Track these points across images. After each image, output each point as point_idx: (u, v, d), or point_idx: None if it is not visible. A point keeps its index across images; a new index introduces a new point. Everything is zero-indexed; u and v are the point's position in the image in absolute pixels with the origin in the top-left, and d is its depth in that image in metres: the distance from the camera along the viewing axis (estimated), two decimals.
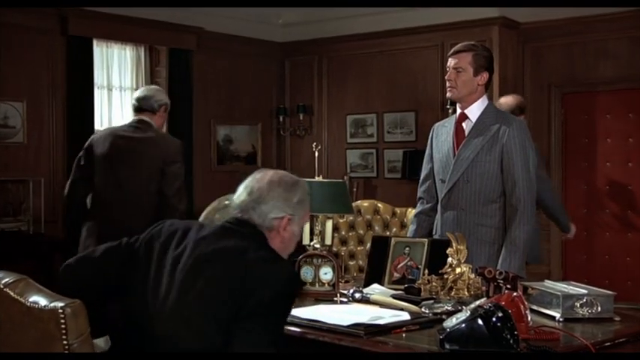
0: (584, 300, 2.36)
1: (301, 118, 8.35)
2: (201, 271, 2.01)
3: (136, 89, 7.47)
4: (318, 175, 3.33)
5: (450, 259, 2.75)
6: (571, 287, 2.51)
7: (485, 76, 3.20)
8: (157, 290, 2.06)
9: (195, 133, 7.72)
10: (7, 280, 2.00)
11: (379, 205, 5.29)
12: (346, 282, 3.20)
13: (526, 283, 2.61)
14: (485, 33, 7.06)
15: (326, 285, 2.90)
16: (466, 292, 2.67)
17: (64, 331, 1.84)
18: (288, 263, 2.10)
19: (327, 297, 2.79)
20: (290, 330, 2.24)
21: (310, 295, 2.86)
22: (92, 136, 4.44)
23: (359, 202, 5.45)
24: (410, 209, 5.22)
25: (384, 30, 7.71)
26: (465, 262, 2.75)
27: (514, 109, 4.91)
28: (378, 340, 2.14)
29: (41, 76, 6.71)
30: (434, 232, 3.31)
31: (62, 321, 1.84)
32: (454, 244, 2.76)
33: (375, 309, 2.49)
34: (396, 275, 2.99)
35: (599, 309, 2.36)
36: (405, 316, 2.36)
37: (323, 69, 8.33)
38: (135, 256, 2.16)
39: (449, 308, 2.42)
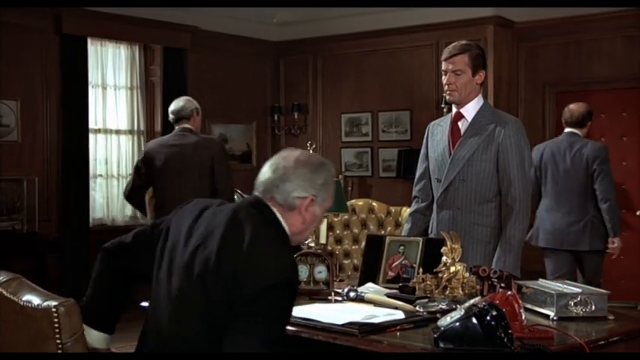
0: (578, 299, 2.37)
1: (296, 116, 8.35)
2: (195, 270, 1.99)
3: (131, 88, 7.49)
4: None
5: (444, 258, 2.75)
6: (565, 286, 2.52)
7: (482, 74, 3.22)
8: (158, 278, 2.08)
9: None
10: (0, 279, 2.00)
11: (374, 204, 5.30)
12: (341, 281, 3.20)
13: (520, 282, 2.61)
14: (480, 32, 7.07)
15: (320, 284, 2.90)
16: (460, 291, 2.67)
17: (57, 330, 1.83)
18: (287, 255, 1.99)
19: (321, 296, 2.79)
20: None
21: (305, 293, 2.86)
22: (146, 147, 5.13)
23: (354, 200, 5.45)
24: (405, 208, 5.22)
25: (379, 29, 7.71)
26: (459, 261, 2.75)
27: (585, 115, 5.23)
28: (372, 338, 2.14)
29: (35, 75, 6.69)
30: (429, 231, 3.31)
31: (55, 320, 1.84)
32: (449, 243, 2.76)
33: (369, 308, 2.49)
34: (391, 274, 2.99)
35: (593, 308, 2.37)
36: (400, 315, 2.36)
37: (318, 68, 8.33)
38: (154, 241, 2.16)
39: (443, 307, 2.42)
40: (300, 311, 2.42)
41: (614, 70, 6.88)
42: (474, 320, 1.98)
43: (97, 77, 7.21)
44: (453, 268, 2.73)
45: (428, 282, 2.75)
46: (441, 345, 2.00)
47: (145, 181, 4.89)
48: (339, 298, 2.69)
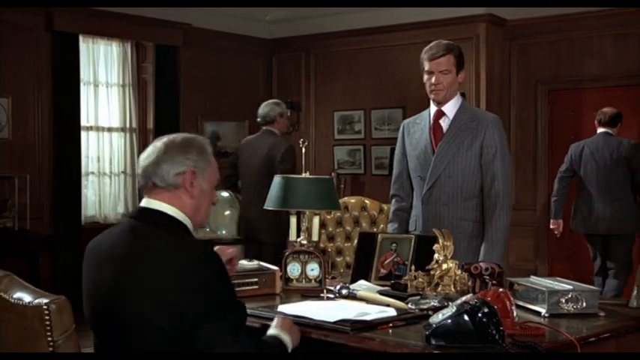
0: (570, 296, 2.38)
1: (288, 114, 8.33)
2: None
3: (123, 85, 7.47)
4: (305, 172, 3.32)
5: (436, 255, 2.75)
6: (556, 283, 2.52)
7: (463, 73, 3.34)
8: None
9: (182, 130, 7.67)
10: None
11: (366, 201, 5.30)
12: (333, 278, 3.20)
13: (512, 279, 2.62)
14: (472, 30, 7.09)
15: (313, 281, 2.90)
16: (452, 288, 2.68)
17: (48, 328, 1.83)
18: (187, 240, 1.99)
19: (313, 293, 2.79)
20: None
21: (297, 291, 2.86)
22: (241, 142, 6.03)
23: (346, 198, 5.45)
24: None
25: (372, 27, 7.71)
26: (451, 258, 2.76)
27: (616, 116, 5.96)
28: (364, 336, 2.14)
29: (27, 72, 6.66)
30: (413, 228, 3.33)
31: (47, 317, 1.83)
32: (440, 241, 2.77)
33: (361, 305, 2.50)
34: (383, 271, 2.99)
35: (584, 304, 2.38)
36: (392, 312, 2.37)
37: (310, 65, 8.32)
38: None
39: (435, 304, 2.42)
40: (292, 309, 2.43)
41: (605, 68, 6.91)
42: (466, 317, 1.98)
43: (88, 74, 7.19)
44: (445, 266, 2.73)
45: (420, 279, 2.75)
46: (433, 342, 2.00)
47: (234, 171, 5.76)
48: (332, 296, 2.69)
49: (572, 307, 2.37)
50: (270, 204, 3.12)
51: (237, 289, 2.34)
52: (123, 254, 1.97)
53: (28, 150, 6.69)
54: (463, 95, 7.26)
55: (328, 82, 8.21)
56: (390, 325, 2.24)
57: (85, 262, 2.11)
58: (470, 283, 2.67)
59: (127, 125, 7.52)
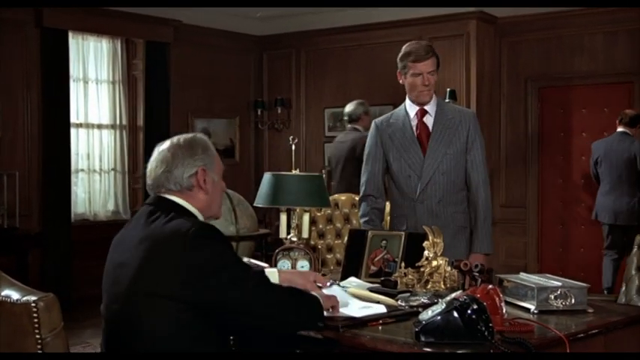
0: (559, 292, 2.38)
1: (279, 111, 8.34)
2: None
3: (113, 82, 7.44)
4: (295, 169, 3.32)
5: (426, 252, 2.75)
6: (545, 279, 2.53)
7: (437, 73, 3.42)
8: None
9: (173, 127, 7.67)
10: None
11: (357, 198, 5.29)
12: (323, 275, 3.19)
13: (501, 276, 2.63)
14: (462, 27, 7.10)
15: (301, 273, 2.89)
16: (442, 285, 2.68)
17: (36, 325, 1.81)
18: (188, 222, 2.06)
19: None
20: None
21: None
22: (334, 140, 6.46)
23: (337, 195, 5.45)
24: (387, 202, 5.23)
25: (362, 23, 7.71)
26: (442, 253, 2.76)
27: (635, 117, 6.33)
28: (354, 332, 2.14)
29: (15, 69, 6.63)
30: (404, 228, 3.32)
31: (35, 315, 1.82)
32: (430, 237, 2.77)
33: (351, 301, 2.49)
34: (373, 268, 2.99)
35: (573, 301, 2.38)
36: (382, 309, 2.37)
37: (301, 62, 8.32)
38: None
39: (425, 301, 2.42)
40: None
41: (594, 66, 6.94)
42: (455, 314, 1.99)
43: (78, 71, 7.16)
44: (434, 262, 2.73)
45: (410, 276, 2.75)
46: (422, 338, 2.01)
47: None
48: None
49: (561, 303, 2.37)
50: (260, 201, 3.11)
51: None
52: (135, 234, 2.08)
53: (17, 147, 6.66)
54: (453, 92, 7.27)
55: (319, 79, 8.20)
56: (380, 322, 2.25)
57: (109, 255, 2.20)
58: (459, 280, 2.68)
59: (117, 122, 7.50)
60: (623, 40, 6.81)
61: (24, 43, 6.65)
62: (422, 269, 2.74)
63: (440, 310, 2.03)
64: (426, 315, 2.05)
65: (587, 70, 6.97)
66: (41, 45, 6.71)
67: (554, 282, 2.47)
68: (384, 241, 3.03)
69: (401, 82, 3.40)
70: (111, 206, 7.47)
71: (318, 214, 5.15)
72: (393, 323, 2.25)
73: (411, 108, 3.39)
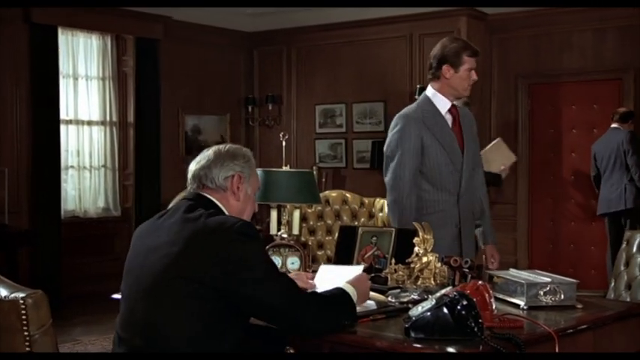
0: (548, 288, 2.39)
1: (270, 108, 8.33)
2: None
3: (103, 78, 7.42)
4: (286, 165, 3.32)
5: (416, 249, 2.76)
6: (535, 276, 2.54)
7: None
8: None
9: (163, 123, 7.65)
10: None
11: (347, 195, 5.31)
12: (313, 272, 3.19)
13: (491, 272, 2.64)
14: (453, 24, 7.10)
15: (293, 274, 2.89)
16: (432, 281, 2.68)
17: (24, 322, 1.81)
18: (234, 218, 2.16)
19: None
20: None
21: None
22: None
23: (327, 192, 5.46)
24: (378, 199, 5.24)
25: (353, 20, 7.71)
26: (431, 250, 2.76)
27: (627, 114, 6.53)
28: (345, 329, 2.14)
29: (4, 65, 6.59)
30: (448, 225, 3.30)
31: (23, 312, 1.81)
32: (420, 234, 2.78)
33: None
34: (364, 264, 2.99)
35: (562, 297, 2.39)
36: (372, 306, 2.37)
37: (292, 59, 8.31)
38: None
39: (415, 297, 2.43)
40: None
41: (584, 63, 6.96)
42: (445, 310, 1.99)
43: (68, 67, 7.12)
44: (424, 259, 2.74)
45: (400, 272, 2.76)
46: (412, 334, 2.01)
47: None
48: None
49: (551, 299, 2.38)
50: None
51: None
52: (174, 222, 2.14)
53: (6, 144, 6.62)
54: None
55: (310, 76, 8.19)
56: (370, 318, 2.25)
57: (133, 241, 2.25)
58: (449, 276, 2.68)
59: (107, 119, 7.47)
60: (612, 37, 6.84)
61: (12, 39, 6.61)
62: (412, 265, 2.75)
63: (430, 306, 2.03)
64: (416, 311, 2.06)
65: (577, 67, 6.99)
66: (30, 41, 6.67)
67: (544, 278, 2.48)
68: (374, 238, 3.03)
69: (447, 77, 3.27)
70: (101, 203, 7.45)
71: (309, 210, 5.16)
72: (384, 319, 2.26)
73: (442, 102, 3.31)
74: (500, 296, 2.47)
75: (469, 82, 3.31)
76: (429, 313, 2.01)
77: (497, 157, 6.01)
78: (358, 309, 2.31)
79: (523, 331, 2.09)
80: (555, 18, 7.01)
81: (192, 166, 2.29)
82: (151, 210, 6.36)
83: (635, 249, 3.33)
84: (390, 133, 3.31)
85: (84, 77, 7.29)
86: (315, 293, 2.27)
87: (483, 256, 3.59)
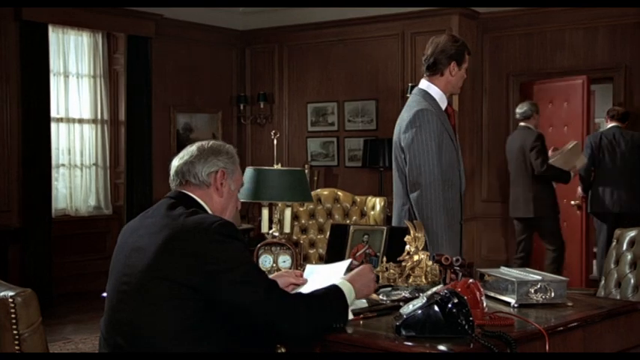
0: (539, 286, 2.40)
1: (262, 106, 8.32)
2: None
3: (94, 76, 7.39)
4: (277, 164, 3.32)
5: (407, 247, 2.76)
6: (526, 274, 2.55)
7: None
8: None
9: (155, 121, 7.63)
10: None
11: (339, 193, 5.30)
12: (304, 270, 3.19)
13: (482, 270, 2.64)
14: (445, 22, 7.11)
15: (283, 272, 2.89)
16: (424, 279, 2.69)
17: (14, 321, 1.80)
18: (213, 217, 2.14)
19: None
20: None
21: None
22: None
23: (319, 190, 5.45)
24: (370, 197, 5.24)
25: (345, 19, 7.71)
26: (422, 249, 2.77)
27: (625, 114, 6.56)
28: (335, 327, 2.14)
29: None
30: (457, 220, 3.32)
31: (12, 310, 1.80)
32: (412, 232, 2.78)
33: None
34: (355, 263, 2.99)
35: (553, 295, 2.40)
36: (363, 304, 2.37)
37: (284, 57, 8.30)
38: None
39: (406, 295, 2.43)
40: None
41: (575, 61, 6.98)
42: (436, 308, 2.00)
43: (58, 65, 7.09)
44: (416, 257, 2.74)
45: (391, 270, 2.76)
46: (403, 332, 2.01)
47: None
48: None
49: (541, 297, 2.39)
50: (241, 196, 3.10)
51: None
52: (154, 222, 2.14)
53: None
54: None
55: (301, 74, 8.19)
56: (362, 316, 2.25)
57: (118, 239, 2.23)
58: (441, 274, 2.69)
59: (99, 117, 7.44)
60: (604, 35, 6.86)
61: (2, 37, 6.57)
62: (403, 264, 2.75)
63: (421, 304, 2.04)
64: (407, 309, 2.06)
65: (569, 65, 7.01)
66: (20, 38, 6.63)
67: (535, 276, 2.49)
68: (365, 236, 3.03)
69: (452, 75, 3.26)
70: (92, 201, 7.42)
71: (301, 209, 5.15)
72: (375, 317, 2.26)
73: (443, 100, 3.29)
74: (491, 294, 2.48)
75: (463, 79, 3.33)
76: (420, 311, 2.01)
77: (573, 158, 6.35)
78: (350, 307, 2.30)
79: (514, 329, 2.10)
80: (547, 17, 7.03)
81: (175, 162, 2.28)
82: (143, 208, 6.30)
83: (624, 247, 3.35)
84: (413, 130, 3.17)
85: (75, 75, 7.26)
86: (301, 295, 2.20)
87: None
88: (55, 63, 7.01)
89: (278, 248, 2.95)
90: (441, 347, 1.92)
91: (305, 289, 2.44)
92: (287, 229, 3.09)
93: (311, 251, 5.15)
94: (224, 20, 8.21)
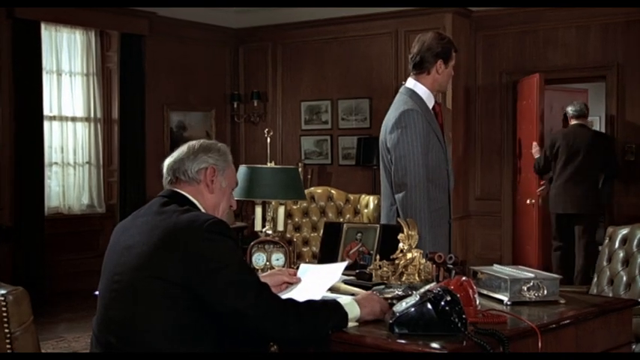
0: (531, 284, 2.40)
1: (255, 104, 8.31)
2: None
3: (87, 74, 7.36)
4: (271, 162, 3.32)
5: (401, 245, 2.76)
6: (519, 271, 2.55)
7: None
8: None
9: (148, 120, 7.61)
10: None
11: (333, 191, 5.31)
12: (297, 268, 3.19)
13: (475, 268, 2.65)
14: (438, 20, 7.11)
15: (276, 270, 2.89)
16: (417, 277, 2.69)
17: (5, 319, 1.79)
18: (205, 215, 2.14)
19: None
20: None
21: None
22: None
23: (313, 188, 5.46)
24: (364, 195, 5.25)
25: (339, 17, 7.71)
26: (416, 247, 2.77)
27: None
28: None
29: None
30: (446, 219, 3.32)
31: (4, 309, 1.80)
32: (405, 230, 2.78)
33: (325, 293, 2.49)
34: (348, 261, 2.99)
35: (545, 292, 2.41)
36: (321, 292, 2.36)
37: (277, 55, 8.29)
38: None
39: (399, 293, 2.43)
40: None
41: (568, 59, 7.00)
42: (429, 306, 2.00)
43: (51, 63, 7.07)
44: (409, 255, 2.74)
45: (385, 268, 2.76)
46: (396, 330, 2.02)
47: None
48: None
49: (534, 294, 2.39)
50: (235, 194, 3.09)
51: None
52: (146, 221, 2.14)
53: None
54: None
55: (295, 72, 8.18)
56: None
57: (111, 238, 2.24)
58: (434, 272, 2.69)
59: (92, 115, 7.42)
60: (596, 34, 6.87)
61: None
62: (397, 262, 2.75)
63: (414, 301, 2.04)
64: (400, 307, 2.06)
65: (561, 63, 7.03)
66: (13, 36, 6.60)
67: (527, 274, 2.49)
68: (359, 234, 3.03)
69: (439, 73, 3.22)
70: (85, 200, 7.40)
71: (294, 207, 5.15)
72: None
73: (430, 99, 3.25)
74: (484, 292, 2.48)
75: (450, 78, 3.30)
76: (413, 309, 2.02)
77: None
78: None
79: (506, 327, 2.10)
80: (539, 15, 7.04)
81: (167, 160, 2.31)
82: (136, 207, 6.28)
83: (617, 245, 3.36)
84: (399, 131, 3.14)
85: (68, 73, 7.24)
86: (292, 300, 2.14)
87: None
88: (47, 61, 6.99)
89: (271, 246, 2.94)
90: (434, 345, 1.92)
91: (299, 289, 2.44)
92: (280, 227, 3.08)
93: (304, 249, 5.15)
94: (218, 18, 8.20)
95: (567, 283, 5.55)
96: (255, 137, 8.33)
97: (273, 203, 3.15)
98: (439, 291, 2.03)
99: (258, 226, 3.12)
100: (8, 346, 1.83)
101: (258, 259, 2.93)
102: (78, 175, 7.36)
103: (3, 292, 1.83)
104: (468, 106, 7.46)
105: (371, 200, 5.09)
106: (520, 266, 2.70)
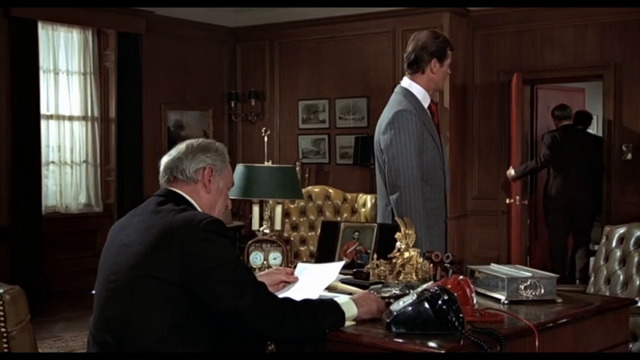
0: (528, 283, 2.41)
1: (253, 103, 8.31)
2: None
3: (84, 73, 7.36)
4: (268, 161, 3.32)
5: (398, 244, 2.76)
6: (516, 270, 2.56)
7: None
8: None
9: (145, 119, 7.61)
10: None
11: (330, 190, 5.31)
12: (295, 267, 3.19)
13: (472, 267, 2.65)
14: (436, 20, 7.11)
15: (274, 269, 2.89)
16: (414, 276, 2.69)
17: (2, 319, 1.79)
18: (202, 214, 2.15)
19: None
20: None
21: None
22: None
23: (310, 187, 5.46)
24: (361, 195, 5.25)
25: (336, 16, 7.70)
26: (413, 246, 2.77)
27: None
28: None
29: None
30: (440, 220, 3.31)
31: (0, 308, 1.80)
32: (402, 229, 2.78)
33: (322, 292, 2.49)
34: (346, 260, 2.99)
35: (543, 291, 2.41)
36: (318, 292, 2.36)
37: (275, 54, 8.29)
38: None
39: (397, 292, 2.43)
40: None
41: (565, 59, 7.01)
42: (426, 305, 2.00)
43: (48, 62, 7.06)
44: (406, 254, 2.74)
45: (382, 267, 2.75)
46: (394, 329, 2.02)
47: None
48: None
49: (531, 293, 2.40)
50: (232, 193, 3.10)
51: None
52: (142, 220, 2.14)
53: None
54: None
55: (292, 71, 8.18)
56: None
57: (107, 238, 2.24)
58: (431, 271, 2.69)
59: (89, 114, 7.42)
60: (593, 33, 6.88)
61: None
62: (394, 261, 2.75)
63: (411, 301, 2.04)
64: (397, 306, 2.06)
65: (558, 63, 7.03)
66: (10, 35, 6.59)
67: (524, 273, 2.50)
68: (356, 233, 3.03)
69: (434, 72, 3.20)
70: (82, 199, 7.39)
71: (292, 206, 5.15)
72: None
73: (425, 98, 3.23)
74: (481, 291, 2.48)
75: (446, 76, 3.28)
76: (410, 308, 2.02)
77: None
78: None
79: (504, 326, 2.10)
80: (537, 14, 7.05)
81: (165, 159, 2.31)
82: (133, 206, 6.26)
83: (614, 244, 3.36)
84: (392, 132, 3.12)
85: (65, 72, 7.23)
86: (289, 299, 2.14)
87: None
88: (44, 60, 6.98)
89: (269, 245, 2.94)
90: (431, 344, 1.92)
91: (296, 288, 2.44)
92: (278, 227, 3.08)
93: (302, 248, 5.15)
94: (215, 17, 8.19)
95: (564, 282, 5.56)
96: (253, 136, 8.32)
97: (270, 202, 3.15)
98: (436, 290, 2.03)
99: (255, 225, 3.12)
100: (5, 345, 1.82)
101: (256, 258, 2.93)
102: (75, 174, 7.35)
103: (0, 291, 1.83)
104: (465, 105, 7.46)
105: (368, 199, 5.09)
106: (517, 265, 2.70)
